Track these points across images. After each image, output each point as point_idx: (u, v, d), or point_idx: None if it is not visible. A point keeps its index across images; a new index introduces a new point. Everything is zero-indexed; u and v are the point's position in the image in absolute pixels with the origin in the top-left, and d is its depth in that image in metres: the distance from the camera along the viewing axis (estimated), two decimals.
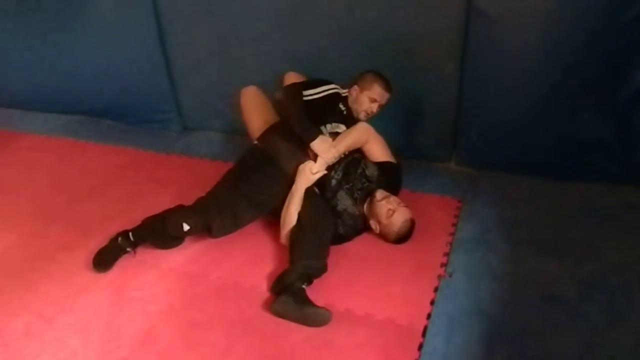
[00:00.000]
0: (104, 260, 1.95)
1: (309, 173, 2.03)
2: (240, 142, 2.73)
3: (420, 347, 1.60)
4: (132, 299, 1.84)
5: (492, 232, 2.08)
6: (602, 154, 2.26)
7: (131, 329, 1.72)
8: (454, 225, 2.14)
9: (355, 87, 2.23)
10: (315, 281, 1.82)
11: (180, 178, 2.57)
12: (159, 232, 1.99)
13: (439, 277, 1.87)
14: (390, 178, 2.16)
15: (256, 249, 2.05)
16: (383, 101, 2.23)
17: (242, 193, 2.03)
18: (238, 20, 2.55)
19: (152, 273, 1.96)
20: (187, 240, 2.07)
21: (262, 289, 1.86)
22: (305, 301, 1.71)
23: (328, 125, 2.17)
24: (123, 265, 1.99)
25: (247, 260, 1.99)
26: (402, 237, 2.00)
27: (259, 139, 2.22)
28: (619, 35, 1.98)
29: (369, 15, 2.28)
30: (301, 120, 2.10)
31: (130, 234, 2.00)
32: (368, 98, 2.20)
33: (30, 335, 1.72)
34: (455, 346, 1.60)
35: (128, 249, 1.99)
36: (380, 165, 2.16)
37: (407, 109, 2.42)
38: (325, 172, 2.06)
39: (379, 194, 2.04)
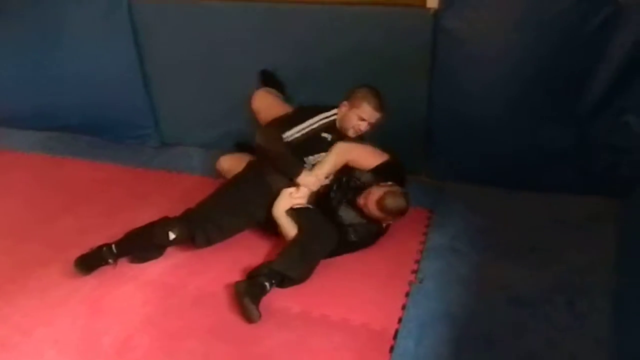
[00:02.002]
0: (86, 264, 1.99)
1: (290, 197, 2.08)
2: (219, 156, 2.79)
3: (391, 349, 1.67)
4: (110, 311, 1.87)
5: (461, 240, 2.16)
6: (564, 165, 2.37)
7: (108, 339, 1.74)
8: (425, 234, 2.22)
9: (345, 102, 2.18)
10: (291, 287, 1.89)
11: (158, 192, 2.61)
12: (143, 242, 2.04)
13: (410, 283, 1.95)
14: (387, 176, 2.15)
15: (234, 259, 2.08)
16: (372, 120, 2.16)
17: (228, 204, 2.09)
18: (216, 37, 2.63)
19: (130, 285, 1.98)
20: (165, 251, 2.10)
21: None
22: (252, 295, 1.79)
23: (311, 157, 2.19)
24: (101, 278, 2.01)
25: (225, 271, 2.03)
26: (389, 211, 2.02)
27: (257, 155, 2.29)
28: (577, 50, 2.09)
29: (341, 35, 2.38)
30: (284, 161, 2.13)
31: (114, 246, 2.03)
32: (356, 116, 2.15)
33: (6, 347, 1.72)
34: (425, 348, 1.66)
35: (110, 260, 2.02)
36: (374, 169, 2.16)
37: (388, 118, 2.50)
38: (303, 204, 2.10)
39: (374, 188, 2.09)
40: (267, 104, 2.40)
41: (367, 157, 2.17)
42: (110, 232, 2.23)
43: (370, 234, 2.12)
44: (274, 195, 2.10)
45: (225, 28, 2.60)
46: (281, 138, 2.15)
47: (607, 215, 2.23)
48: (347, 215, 2.12)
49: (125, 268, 2.05)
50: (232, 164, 2.45)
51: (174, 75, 2.84)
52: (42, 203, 2.56)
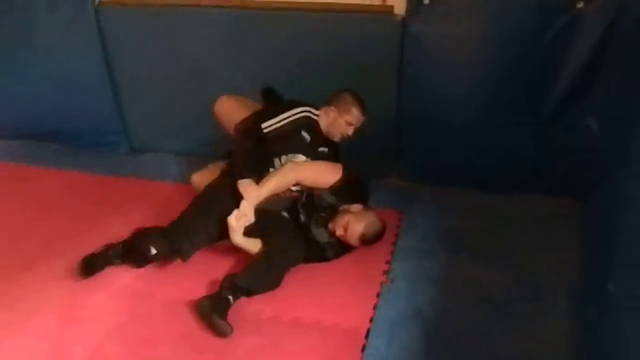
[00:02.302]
0: (91, 265, 1.99)
1: (235, 223, 1.97)
2: (191, 163, 2.79)
3: (363, 348, 1.70)
4: (81, 319, 1.84)
5: (431, 241, 2.22)
6: (528, 167, 2.45)
7: (80, 349, 1.72)
8: (396, 235, 2.27)
9: (333, 108, 2.17)
10: (259, 295, 1.89)
11: (128, 199, 2.58)
12: (130, 251, 2.03)
13: (381, 283, 1.99)
14: (350, 195, 2.15)
15: (206, 266, 2.08)
16: (359, 124, 2.19)
17: (210, 216, 2.04)
18: (185, 43, 2.63)
19: (101, 293, 1.96)
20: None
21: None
22: (218, 311, 1.77)
23: (283, 157, 2.14)
24: (72, 287, 1.99)
25: (197, 278, 2.02)
26: (370, 242, 2.09)
27: (228, 162, 2.22)
28: (537, 57, 2.18)
29: (311, 41, 2.42)
30: (244, 161, 2.08)
31: (121, 246, 2.04)
32: (345, 122, 2.16)
33: None
34: (396, 346, 1.70)
35: (115, 261, 2.03)
36: (334, 191, 2.14)
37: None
38: (251, 220, 2.01)
39: (330, 227, 2.11)
40: (229, 109, 2.32)
41: (321, 176, 2.13)
42: (77, 241, 2.23)
43: (346, 249, 2.14)
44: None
45: (195, 34, 2.61)
46: (258, 129, 2.08)
47: (570, 215, 2.31)
48: (320, 235, 2.13)
49: (97, 275, 2.03)
50: (203, 179, 2.37)
51: (143, 81, 2.83)
52: (8, 213, 2.51)
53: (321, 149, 2.22)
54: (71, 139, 3.10)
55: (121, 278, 2.03)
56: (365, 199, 2.23)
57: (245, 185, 2.03)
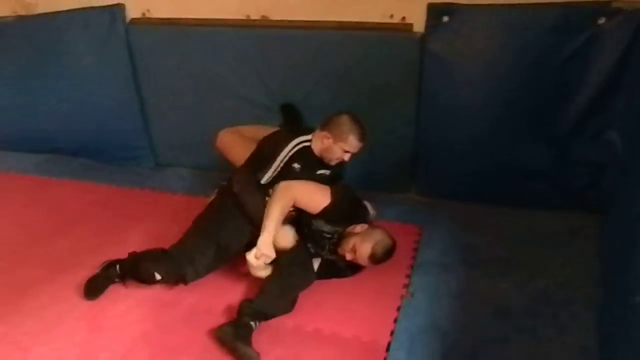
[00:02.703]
0: (94, 287, 2.03)
1: (255, 262, 1.93)
2: (211, 178, 2.85)
3: None
4: (107, 327, 1.90)
5: (449, 255, 2.23)
6: (546, 183, 2.46)
7: (106, 356, 1.77)
8: (415, 250, 2.29)
9: (328, 134, 2.03)
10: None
11: (151, 213, 2.65)
12: (134, 273, 2.05)
13: (401, 297, 2.00)
14: (344, 219, 2.08)
15: (227, 276, 2.12)
16: (356, 151, 2.08)
17: (213, 240, 2.02)
18: (209, 61, 2.71)
19: (126, 302, 2.02)
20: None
21: (233, 315, 1.92)
22: (242, 337, 1.75)
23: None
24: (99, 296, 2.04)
25: (219, 288, 2.07)
26: (381, 261, 2.03)
27: (228, 181, 2.15)
28: (557, 72, 2.20)
29: (331, 59, 2.48)
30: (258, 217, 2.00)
31: (118, 266, 2.07)
32: (341, 149, 2.04)
33: None
34: (416, 359, 1.71)
35: (116, 280, 2.07)
36: (327, 219, 2.07)
37: (368, 144, 2.58)
38: (272, 257, 1.95)
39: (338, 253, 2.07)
40: (229, 144, 2.39)
41: (313, 194, 2.04)
42: (101, 252, 2.28)
43: (358, 269, 2.13)
44: (257, 228, 1.97)
45: (219, 52, 2.69)
46: (256, 183, 2.04)
47: (588, 230, 2.31)
48: (337, 263, 2.11)
49: (119, 286, 2.09)
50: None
51: (169, 98, 2.92)
52: (36, 224, 2.59)
53: (320, 171, 2.12)
54: (98, 153, 3.21)
55: (145, 288, 2.07)
56: (364, 218, 2.13)
57: (261, 241, 1.93)
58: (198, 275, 2.02)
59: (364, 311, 1.94)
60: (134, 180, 2.99)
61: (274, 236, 1.95)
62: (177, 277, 2.01)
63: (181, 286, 2.06)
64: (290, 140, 2.06)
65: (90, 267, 2.13)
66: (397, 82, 2.42)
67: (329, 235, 2.08)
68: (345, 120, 2.03)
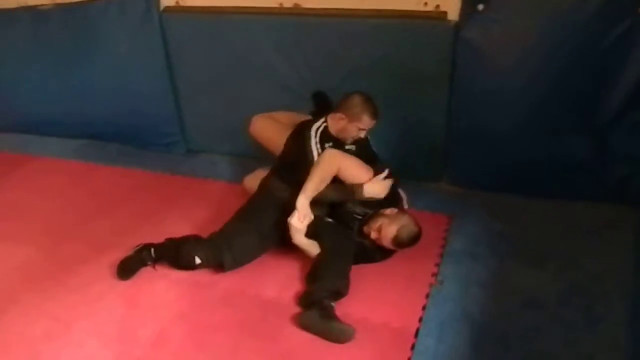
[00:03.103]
0: (127, 268, 2.10)
1: (298, 224, 2.02)
2: (242, 164, 2.91)
3: (412, 347, 1.74)
4: (144, 306, 1.98)
5: (480, 245, 2.23)
6: (582, 174, 2.41)
7: (144, 332, 1.85)
8: (444, 238, 2.29)
9: (342, 115, 2.13)
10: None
11: (185, 197, 2.73)
12: (173, 257, 2.11)
13: (430, 285, 2.02)
14: (378, 203, 2.14)
15: (260, 261, 2.16)
16: (370, 127, 2.19)
17: (253, 228, 2.11)
18: (242, 49, 2.75)
19: (162, 282, 2.09)
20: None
21: (266, 296, 1.99)
22: (332, 317, 1.81)
23: None
24: (135, 276, 2.12)
25: (252, 271, 2.12)
26: (405, 245, 2.07)
27: (265, 180, 2.26)
28: (595, 62, 2.15)
29: (364, 46, 2.48)
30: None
31: (152, 250, 2.13)
32: (356, 128, 2.14)
33: (50, 338, 1.84)
34: (446, 346, 1.73)
35: (149, 263, 2.13)
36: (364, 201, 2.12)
37: (400, 133, 2.59)
38: (311, 217, 2.04)
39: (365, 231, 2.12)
40: (263, 130, 2.45)
41: (356, 170, 2.09)
42: (141, 233, 2.37)
43: (392, 252, 2.16)
44: (285, 208, 2.07)
45: (251, 39, 2.72)
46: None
47: (623, 223, 2.27)
48: (366, 243, 2.15)
49: (158, 266, 2.16)
50: (255, 182, 2.45)
51: (202, 85, 2.97)
52: (78, 206, 2.70)
53: (347, 147, 2.20)
54: (132, 139, 3.29)
55: (180, 271, 2.14)
56: (396, 203, 2.20)
57: (299, 202, 2.02)
58: (237, 263, 2.08)
59: (393, 298, 1.97)
60: (166, 165, 3.07)
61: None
62: (216, 263, 2.07)
63: (215, 270, 2.12)
64: (310, 131, 2.17)
65: (131, 248, 2.20)
66: (430, 71, 2.41)
67: (359, 217, 2.13)
68: (358, 101, 2.13)
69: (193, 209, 2.59)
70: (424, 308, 1.91)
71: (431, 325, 1.82)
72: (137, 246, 2.17)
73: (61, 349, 1.80)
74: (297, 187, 2.05)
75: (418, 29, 2.37)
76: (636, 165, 2.30)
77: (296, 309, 1.92)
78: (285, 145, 2.27)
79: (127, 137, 3.31)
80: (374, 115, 2.15)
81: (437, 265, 2.13)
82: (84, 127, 3.38)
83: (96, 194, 2.82)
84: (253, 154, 2.97)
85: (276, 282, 2.06)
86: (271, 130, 2.43)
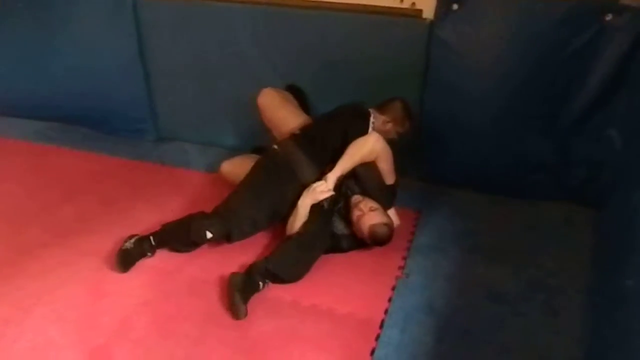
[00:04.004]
0: (127, 260, 2.03)
1: (317, 192, 2.11)
2: (214, 152, 2.88)
3: (377, 337, 1.77)
4: (108, 293, 1.94)
5: (446, 240, 2.28)
6: (545, 174, 2.49)
7: (107, 319, 1.81)
8: (412, 233, 2.33)
9: (387, 119, 2.33)
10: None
11: (154, 185, 2.67)
12: (181, 237, 2.07)
13: (397, 277, 2.05)
14: (380, 197, 2.23)
15: (228, 248, 2.15)
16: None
17: (262, 203, 2.12)
18: (217, 37, 2.71)
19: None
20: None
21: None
22: (244, 291, 1.84)
23: None
24: (100, 262, 2.08)
25: (219, 259, 2.10)
26: (377, 240, 2.11)
27: (279, 145, 2.26)
28: (563, 66, 2.22)
29: (339, 40, 2.49)
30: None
31: (152, 238, 2.08)
32: (396, 131, 2.35)
33: (9, 324, 1.78)
34: (409, 337, 1.77)
35: (148, 254, 2.08)
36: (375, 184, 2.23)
37: None
38: (333, 193, 2.15)
39: (354, 198, 2.19)
40: (272, 103, 2.44)
41: (388, 164, 2.23)
42: (108, 219, 2.33)
43: (360, 244, 2.19)
44: (301, 189, 2.15)
45: (226, 28, 2.68)
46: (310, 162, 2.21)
47: (583, 222, 2.36)
48: (338, 225, 2.20)
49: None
50: (233, 169, 2.49)
51: (174, 72, 2.91)
52: (40, 190, 2.62)
53: None
54: (100, 124, 3.20)
55: (147, 258, 2.10)
56: (389, 205, 2.28)
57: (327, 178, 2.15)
58: (243, 235, 2.10)
59: (360, 290, 1.99)
60: (135, 152, 3.00)
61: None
62: (225, 235, 2.07)
63: (182, 257, 2.10)
64: (368, 125, 2.29)
65: (98, 233, 2.17)
66: (403, 67, 2.44)
67: (349, 197, 2.21)
68: (401, 106, 2.35)
69: (162, 197, 2.55)
70: (389, 300, 1.94)
71: (396, 316, 1.86)
72: (130, 237, 2.09)
73: (20, 335, 1.74)
74: (327, 171, 2.16)
75: (393, 26, 2.39)
76: (595, 168, 2.39)
77: (264, 296, 1.92)
78: (328, 127, 2.29)
79: (95, 122, 3.21)
80: (413, 120, 2.38)
81: (404, 258, 2.16)
82: (52, 109, 3.25)
83: (58, 178, 2.73)
84: (226, 143, 2.96)
85: (244, 269, 2.04)
86: (282, 106, 2.43)
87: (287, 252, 2.00)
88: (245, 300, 1.84)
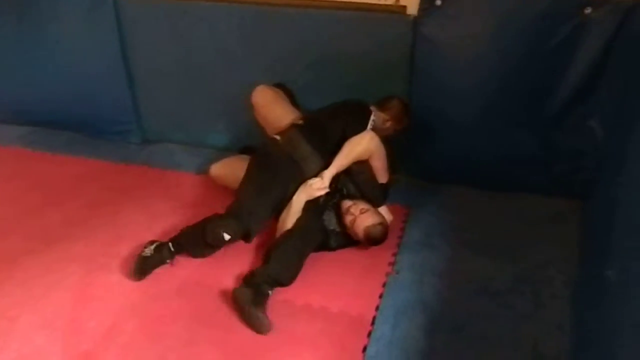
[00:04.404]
0: (145, 269, 1.97)
1: (313, 189, 2.12)
2: (201, 154, 2.86)
3: (369, 334, 1.77)
4: (96, 298, 1.91)
5: (435, 236, 2.29)
6: (531, 168, 2.51)
7: (95, 324, 1.79)
8: (402, 229, 2.33)
9: (387, 117, 2.35)
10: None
11: (141, 188, 2.64)
12: (198, 241, 2.01)
13: (387, 274, 2.05)
14: (373, 197, 2.26)
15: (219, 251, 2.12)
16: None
17: (271, 198, 2.10)
18: (202, 35, 2.69)
19: (116, 274, 2.03)
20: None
21: (222, 287, 1.96)
22: (259, 303, 1.81)
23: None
24: (87, 268, 2.05)
25: (210, 262, 2.08)
26: (373, 241, 2.13)
27: (282, 134, 2.22)
28: (545, 60, 2.24)
29: (325, 38, 2.49)
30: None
31: (170, 244, 2.02)
32: (394, 129, 2.38)
33: None
34: (401, 333, 1.77)
35: (168, 261, 2.02)
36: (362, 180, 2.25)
37: None
38: (328, 190, 2.15)
39: (343, 203, 2.20)
40: (267, 100, 2.41)
41: (382, 162, 2.25)
42: (96, 224, 2.29)
43: (349, 242, 2.20)
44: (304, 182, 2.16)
45: (210, 28, 2.66)
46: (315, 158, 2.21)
47: (570, 214, 2.38)
48: (329, 220, 2.21)
49: (110, 258, 2.10)
50: (223, 171, 2.47)
51: (158, 73, 2.88)
52: (23, 196, 2.57)
53: None
54: (84, 127, 3.16)
55: (133, 260, 2.07)
56: (382, 202, 2.29)
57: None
58: (259, 232, 2.10)
59: (351, 287, 1.99)
60: (121, 155, 2.96)
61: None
62: (243, 234, 2.04)
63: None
64: (369, 120, 2.30)
65: (84, 238, 2.14)
66: (389, 64, 2.44)
67: (344, 194, 2.24)
68: (400, 106, 2.38)
69: (149, 200, 2.52)
70: (380, 296, 1.94)
71: (387, 313, 1.86)
72: (150, 243, 2.03)
73: (5, 345, 1.71)
74: (330, 162, 2.17)
75: (378, 22, 2.40)
76: (580, 160, 2.42)
77: None
78: (330, 119, 2.29)
79: (79, 125, 3.17)
80: (411, 119, 2.41)
81: (395, 255, 2.17)
82: (31, 114, 3.22)
83: (42, 183, 2.69)
84: (212, 144, 2.94)
85: (234, 272, 2.03)
86: (278, 105, 2.40)
87: (285, 258, 1.96)
88: (264, 311, 1.80)
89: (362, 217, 2.12)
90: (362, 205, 2.17)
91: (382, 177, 2.28)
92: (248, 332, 1.77)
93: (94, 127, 3.14)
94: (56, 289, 1.95)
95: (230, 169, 2.38)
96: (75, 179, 2.74)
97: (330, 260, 2.13)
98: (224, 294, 1.93)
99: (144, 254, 1.99)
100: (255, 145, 2.56)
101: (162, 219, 2.27)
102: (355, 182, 2.25)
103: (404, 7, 2.35)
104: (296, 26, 2.52)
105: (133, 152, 3.02)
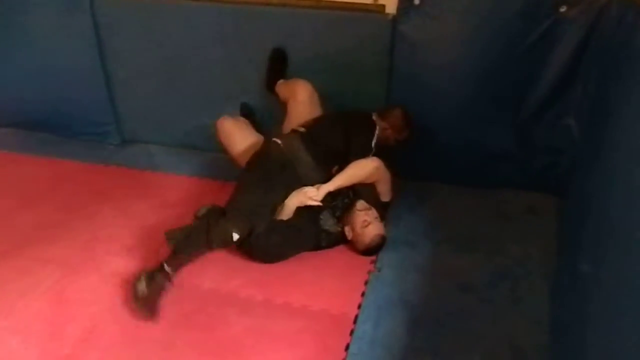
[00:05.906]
0: (149, 306, 1.81)
1: (306, 197, 2.11)
2: (181, 154, 2.83)
3: (351, 332, 1.77)
4: (73, 302, 1.88)
5: (416, 233, 2.30)
6: (508, 163, 2.54)
7: (73, 328, 1.76)
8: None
9: (387, 126, 2.36)
10: (255, 277, 1.96)
11: (119, 189, 2.60)
12: (200, 248, 1.94)
13: (369, 272, 2.06)
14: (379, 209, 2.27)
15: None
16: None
17: (271, 200, 2.08)
18: (179, 35, 2.66)
19: (93, 277, 1.99)
20: (127, 244, 2.12)
21: (203, 289, 1.95)
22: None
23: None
24: (63, 270, 2.01)
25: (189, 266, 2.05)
26: (372, 250, 2.13)
27: (283, 140, 2.21)
28: (521, 58, 2.26)
29: (303, 37, 2.48)
30: None
31: (165, 265, 1.87)
32: (395, 139, 2.39)
33: None
34: (383, 330, 1.78)
35: (167, 283, 1.88)
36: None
37: None
38: (320, 204, 2.14)
39: (360, 204, 2.20)
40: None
41: (387, 186, 2.34)
42: (73, 227, 2.25)
43: (337, 241, 2.21)
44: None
45: (188, 27, 2.63)
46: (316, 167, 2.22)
47: (547, 209, 2.42)
48: (325, 221, 2.20)
49: (89, 260, 2.06)
50: (235, 126, 2.44)
51: (136, 73, 2.83)
52: None
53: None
54: (61, 128, 3.09)
55: (113, 262, 2.06)
56: (382, 218, 2.28)
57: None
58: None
59: (332, 286, 1.99)
60: (99, 156, 2.90)
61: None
62: (248, 232, 1.97)
63: (145, 261, 2.03)
64: (374, 132, 2.32)
65: (59, 240, 2.09)
66: (368, 63, 2.45)
67: (347, 201, 2.26)
68: (402, 116, 2.38)
69: (128, 202, 2.48)
70: (362, 295, 1.94)
71: (369, 311, 1.86)
72: (141, 274, 1.84)
73: None
74: (332, 174, 2.19)
75: (356, 22, 2.40)
76: (556, 155, 2.46)
77: (235, 297, 1.89)
78: (333, 130, 2.28)
79: (55, 126, 3.09)
80: (413, 129, 2.42)
81: None
82: (6, 115, 3.13)
83: (16, 185, 2.63)
84: (192, 144, 2.91)
85: (215, 273, 2.02)
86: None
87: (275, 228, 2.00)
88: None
89: (375, 223, 2.14)
90: (376, 213, 2.20)
91: (386, 197, 2.36)
92: (227, 333, 1.76)
93: (71, 128, 3.07)
94: (31, 292, 1.91)
95: (239, 130, 2.40)
96: (49, 180, 2.68)
97: (312, 258, 2.12)
98: (205, 294, 1.92)
99: (138, 294, 1.80)
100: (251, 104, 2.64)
101: (140, 220, 2.24)
102: (359, 197, 2.27)
103: (383, 6, 2.36)
104: (274, 25, 2.51)
105: (111, 153, 2.96)
